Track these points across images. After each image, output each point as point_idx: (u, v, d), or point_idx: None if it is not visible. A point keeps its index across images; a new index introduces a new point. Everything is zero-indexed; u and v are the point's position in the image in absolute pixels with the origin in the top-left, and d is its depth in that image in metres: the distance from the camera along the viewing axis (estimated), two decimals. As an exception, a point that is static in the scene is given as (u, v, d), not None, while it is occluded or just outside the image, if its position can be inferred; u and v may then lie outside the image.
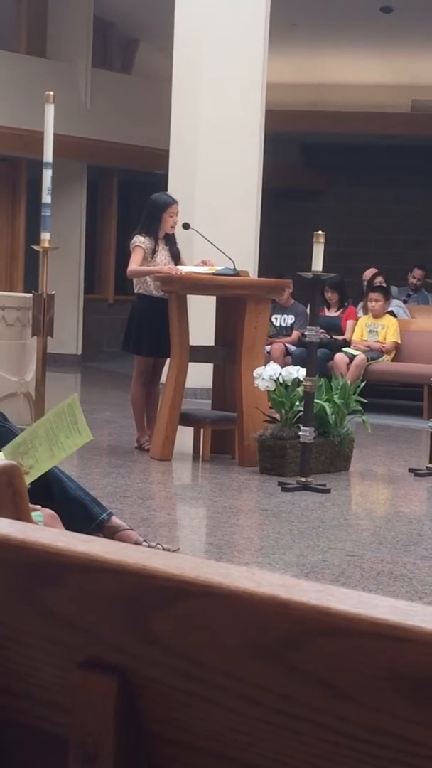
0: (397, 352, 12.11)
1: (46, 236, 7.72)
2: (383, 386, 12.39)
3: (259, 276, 11.01)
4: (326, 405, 7.86)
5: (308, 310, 9.26)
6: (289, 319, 12.43)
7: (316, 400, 7.57)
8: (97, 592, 1.10)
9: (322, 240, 7.35)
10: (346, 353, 11.84)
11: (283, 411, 7.73)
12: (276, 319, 12.28)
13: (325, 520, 6.43)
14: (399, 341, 12.08)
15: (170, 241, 8.51)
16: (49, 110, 7.56)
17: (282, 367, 7.99)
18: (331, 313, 12.38)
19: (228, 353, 8.20)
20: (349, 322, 12.33)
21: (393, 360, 12.07)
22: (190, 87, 11.68)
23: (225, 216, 11.16)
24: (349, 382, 8.50)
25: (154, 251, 8.37)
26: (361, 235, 18.87)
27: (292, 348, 12.08)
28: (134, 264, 8.32)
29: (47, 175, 7.62)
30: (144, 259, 8.33)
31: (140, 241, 8.36)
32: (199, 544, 5.89)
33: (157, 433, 8.21)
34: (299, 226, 16.25)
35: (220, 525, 6.23)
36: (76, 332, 16.42)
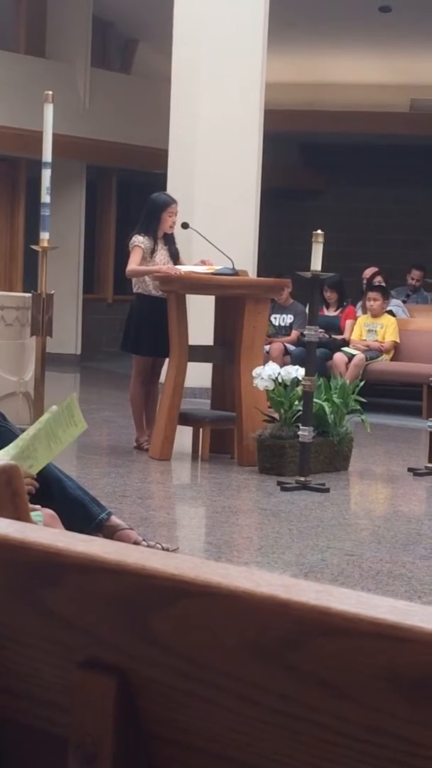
0: (396, 351, 12.11)
1: (45, 236, 7.72)
2: (382, 386, 12.39)
3: (258, 276, 11.01)
4: (325, 404, 7.86)
5: (307, 310, 9.26)
6: (288, 319, 12.43)
7: (315, 400, 7.57)
8: (97, 592, 1.10)
9: (321, 240, 7.35)
10: (345, 353, 11.84)
11: (282, 410, 7.72)
12: (275, 318, 12.28)
13: (324, 520, 6.43)
14: (398, 341, 12.08)
15: (169, 240, 8.51)
16: (48, 110, 7.56)
17: (281, 367, 7.99)
18: (330, 312, 12.39)
19: (227, 353, 8.20)
20: (348, 322, 12.33)
21: (392, 359, 12.07)
22: (189, 87, 11.67)
23: (224, 216, 11.15)
24: (348, 382, 8.50)
25: (153, 251, 8.37)
26: (361, 234, 18.87)
27: (291, 347, 12.08)
28: (133, 264, 8.32)
29: (46, 174, 7.62)
30: (143, 259, 8.33)
31: (139, 240, 8.36)
32: (198, 544, 5.89)
33: (156, 432, 8.21)
34: (298, 226, 16.24)
35: (219, 524, 6.23)
36: (75, 332, 16.41)
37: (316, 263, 7.34)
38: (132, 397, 8.66)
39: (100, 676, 1.11)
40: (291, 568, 5.35)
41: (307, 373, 7.43)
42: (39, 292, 7.67)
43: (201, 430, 8.24)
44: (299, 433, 7.40)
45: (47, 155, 7.58)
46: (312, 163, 19.34)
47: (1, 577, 1.17)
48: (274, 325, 12.20)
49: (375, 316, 12.19)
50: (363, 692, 0.96)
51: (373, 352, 11.92)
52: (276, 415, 7.80)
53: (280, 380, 7.73)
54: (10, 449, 3.91)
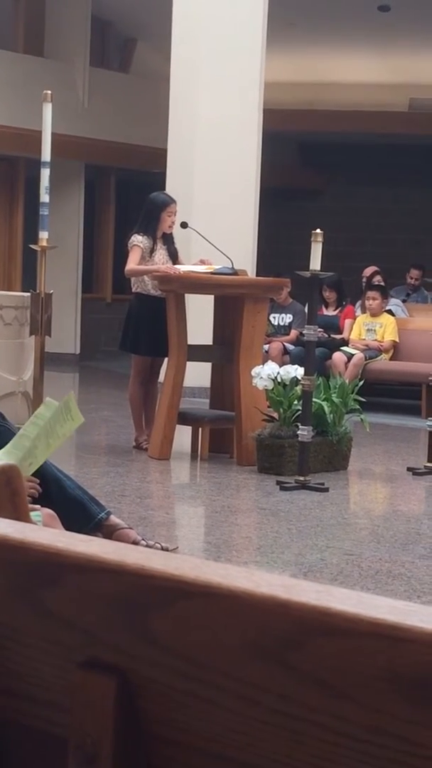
0: (396, 350, 12.12)
1: (44, 235, 7.71)
2: (381, 385, 12.40)
3: (257, 275, 11.01)
4: (324, 404, 7.86)
5: (306, 309, 9.26)
6: (287, 318, 12.43)
7: (314, 399, 7.57)
8: (97, 593, 1.10)
9: (320, 239, 7.35)
10: (344, 352, 11.84)
11: (281, 410, 7.72)
12: (274, 318, 12.28)
13: (323, 519, 6.43)
14: (397, 340, 12.09)
15: (168, 240, 8.51)
16: (47, 109, 7.56)
17: (280, 366, 7.99)
18: (329, 312, 12.39)
19: (226, 352, 8.20)
20: (347, 321, 12.33)
21: (391, 359, 12.07)
22: (187, 86, 11.67)
23: (223, 215, 11.15)
24: (347, 381, 8.50)
25: (152, 250, 8.37)
26: (360, 234, 18.87)
27: (290, 347, 12.08)
28: (132, 263, 8.32)
29: (45, 174, 7.62)
30: (142, 259, 8.33)
31: (138, 240, 8.36)
32: (198, 543, 5.89)
33: (156, 432, 8.21)
34: (297, 226, 16.24)
35: (219, 524, 6.23)
36: (74, 331, 16.41)
37: (315, 263, 7.34)
38: (131, 397, 8.66)
39: (99, 677, 1.11)
40: (290, 568, 5.35)
41: (306, 373, 7.43)
42: (38, 291, 7.67)
43: (200, 429, 8.24)
44: (298, 432, 7.40)
45: (46, 155, 7.58)
46: (311, 163, 19.34)
47: (1, 577, 1.17)
48: (273, 325, 12.20)
49: (374, 315, 12.19)
50: (363, 692, 0.96)
51: (372, 352, 11.92)
52: (275, 415, 7.80)
53: (279, 380, 7.73)
54: (11, 449, 3.91)
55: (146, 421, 8.58)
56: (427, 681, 0.93)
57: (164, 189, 10.38)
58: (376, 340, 12.06)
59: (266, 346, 11.05)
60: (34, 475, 4.09)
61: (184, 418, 8.20)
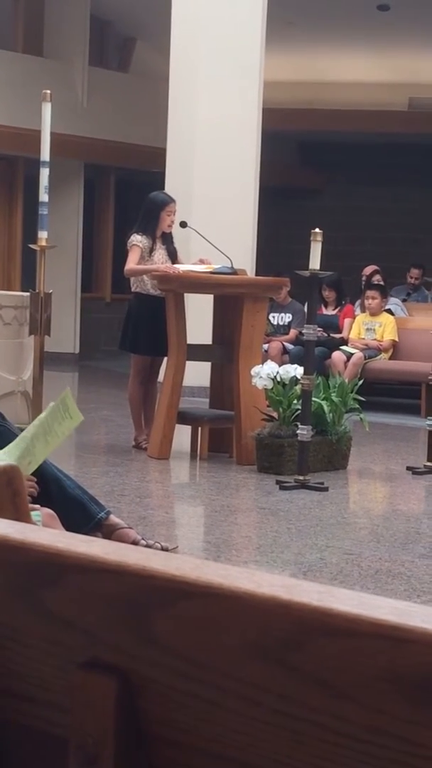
0: (395, 350, 12.12)
1: (43, 235, 7.71)
2: (381, 384, 12.40)
3: (256, 274, 11.01)
4: (324, 403, 7.86)
5: (306, 309, 9.26)
6: (287, 318, 12.43)
7: (313, 399, 7.57)
8: (97, 593, 1.10)
9: (319, 238, 7.34)
10: (344, 351, 11.84)
11: (280, 409, 7.72)
12: (273, 317, 12.28)
13: (323, 519, 6.43)
14: (396, 339, 12.09)
15: (167, 240, 8.51)
16: (46, 109, 7.55)
17: (279, 366, 7.99)
18: (329, 311, 12.39)
19: (225, 352, 8.19)
20: (347, 321, 12.33)
21: (390, 358, 12.08)
22: (187, 85, 11.67)
23: (222, 214, 11.15)
24: (346, 381, 8.50)
25: (151, 250, 8.37)
26: (359, 233, 18.87)
27: (290, 346, 12.08)
28: (131, 263, 8.32)
29: (44, 173, 7.62)
30: (141, 258, 8.33)
31: (137, 240, 8.35)
32: (197, 543, 5.89)
33: (155, 431, 8.21)
34: (297, 225, 16.24)
35: (218, 523, 6.23)
36: (73, 331, 16.41)
37: (315, 262, 7.34)
38: (130, 396, 8.66)
39: (100, 677, 1.11)
40: (290, 567, 5.35)
41: (305, 372, 7.43)
42: (37, 291, 7.67)
43: (200, 429, 8.24)
44: (298, 432, 7.40)
45: (45, 154, 7.57)
46: (310, 162, 19.34)
47: (2, 577, 1.16)
48: (272, 324, 12.20)
49: (373, 314, 12.19)
50: (364, 693, 0.96)
51: (371, 351, 11.92)
52: (275, 414, 7.80)
53: (278, 379, 7.73)
54: (11, 449, 3.91)
55: (146, 421, 8.58)
56: (428, 682, 0.93)
57: (164, 188, 10.38)
58: (375, 339, 12.06)
59: (266, 346, 11.05)
60: (33, 474, 4.08)
61: (184, 418, 8.20)
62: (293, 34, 15.51)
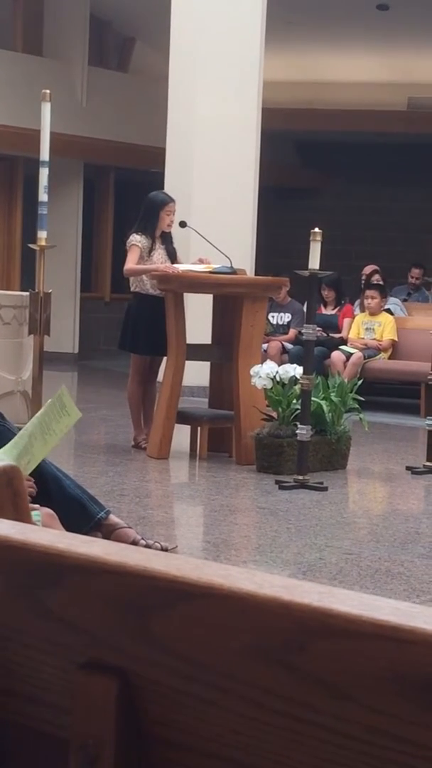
0: (394, 349, 12.12)
1: (42, 234, 7.71)
2: (380, 384, 12.40)
3: (255, 274, 11.01)
4: (323, 403, 7.86)
5: (305, 308, 9.26)
6: (286, 317, 12.43)
7: (313, 398, 7.57)
8: (98, 594, 1.09)
9: (319, 238, 7.35)
10: (343, 351, 11.84)
11: (280, 409, 7.72)
12: (273, 317, 12.28)
13: (322, 519, 6.43)
14: (396, 339, 12.09)
15: (167, 239, 8.50)
16: (46, 108, 7.55)
17: (279, 365, 7.99)
18: (328, 311, 12.39)
19: (225, 351, 8.19)
20: (346, 320, 12.33)
21: (390, 358, 12.08)
22: (186, 85, 11.67)
23: (222, 214, 11.15)
24: (346, 380, 8.50)
25: (150, 250, 8.37)
26: (358, 233, 18.87)
27: (289, 346, 12.08)
28: (131, 263, 8.32)
29: (44, 173, 7.61)
30: (140, 258, 8.33)
31: (136, 240, 8.35)
32: (197, 543, 5.89)
33: (154, 431, 8.20)
34: (296, 225, 16.24)
35: (218, 523, 6.22)
36: (72, 330, 16.41)
37: (314, 262, 7.34)
38: (130, 396, 8.66)
39: (101, 678, 1.11)
40: (289, 567, 5.35)
41: (305, 372, 7.43)
42: (37, 290, 7.67)
43: (199, 428, 8.24)
44: (297, 431, 7.40)
45: (45, 154, 7.57)
46: (310, 162, 19.34)
47: (2, 578, 1.16)
48: (272, 324, 12.20)
49: (373, 314, 12.19)
50: (365, 694, 0.96)
51: (371, 351, 11.93)
52: (274, 414, 7.80)
53: (278, 379, 7.73)
54: (9, 449, 3.90)
55: (145, 421, 8.57)
56: (429, 682, 0.93)
57: (163, 188, 10.37)
58: (374, 339, 12.06)
59: (265, 345, 11.05)
60: (32, 473, 4.08)
61: (183, 418, 8.20)
62: (293, 34, 15.51)
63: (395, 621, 0.93)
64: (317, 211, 17.72)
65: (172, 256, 8.46)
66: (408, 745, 0.95)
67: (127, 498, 6.70)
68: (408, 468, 8.18)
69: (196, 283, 8.16)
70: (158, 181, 11.65)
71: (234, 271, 8.31)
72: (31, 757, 1.24)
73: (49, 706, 1.19)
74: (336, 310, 12.43)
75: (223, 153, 11.54)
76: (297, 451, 7.42)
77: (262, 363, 7.98)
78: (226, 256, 8.28)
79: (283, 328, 12.39)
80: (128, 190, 17.05)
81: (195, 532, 6.31)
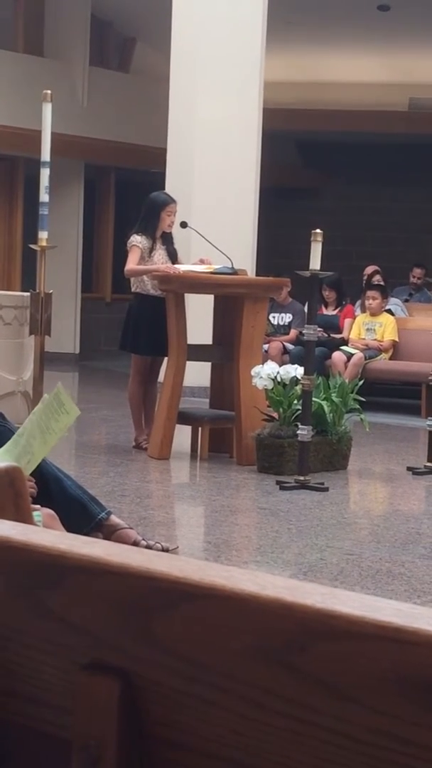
0: (395, 350, 12.12)
1: (43, 235, 7.71)
2: (381, 385, 12.40)
3: (256, 275, 11.01)
4: (324, 403, 7.85)
5: (306, 309, 9.26)
6: (287, 318, 12.43)
7: (314, 399, 7.57)
8: (100, 595, 1.09)
9: (320, 239, 7.35)
10: (344, 352, 11.84)
11: (281, 410, 7.72)
12: (274, 317, 12.28)
13: (323, 519, 6.43)
14: (397, 339, 12.09)
15: (167, 240, 8.50)
16: (47, 109, 7.55)
17: (280, 366, 7.99)
18: (329, 311, 12.39)
19: (226, 352, 8.19)
20: (347, 321, 12.33)
21: (391, 358, 12.08)
22: (187, 85, 11.67)
23: (223, 214, 11.15)
24: (347, 381, 8.50)
25: (151, 250, 8.37)
26: (359, 233, 18.87)
27: (290, 346, 12.08)
28: (132, 263, 8.32)
29: (45, 173, 7.62)
30: (141, 259, 8.33)
31: (137, 240, 8.35)
32: (197, 543, 5.89)
33: (155, 432, 8.20)
34: (297, 225, 16.24)
35: (218, 524, 6.22)
36: (73, 331, 16.41)
37: (315, 262, 7.34)
38: (131, 396, 8.66)
39: (103, 679, 1.11)
40: (290, 568, 5.35)
41: (306, 372, 7.43)
42: (37, 291, 7.67)
43: (200, 429, 8.24)
44: (298, 432, 7.40)
45: (46, 154, 7.57)
46: (311, 162, 19.34)
47: (4, 579, 1.16)
48: (272, 324, 12.20)
49: (374, 314, 12.19)
50: (368, 695, 0.96)
51: (372, 351, 11.92)
52: (275, 414, 7.80)
53: (279, 379, 7.73)
54: (9, 448, 3.90)
55: (146, 421, 8.57)
56: (431, 684, 0.93)
57: (164, 188, 10.37)
58: (375, 339, 12.06)
59: (266, 346, 11.05)
60: (33, 474, 4.08)
61: (184, 418, 8.20)
62: (294, 35, 15.51)
63: (397, 622, 0.93)
64: (318, 212, 17.73)
65: (173, 257, 8.46)
66: (410, 746, 0.95)
67: (128, 498, 6.70)
68: (409, 468, 8.18)
69: (197, 284, 8.17)
70: (159, 181, 11.65)
71: (235, 272, 8.31)
72: (33, 757, 1.24)
73: (51, 707, 1.19)
74: (337, 310, 12.43)
75: (223, 153, 11.54)
76: (298, 451, 7.42)
77: (263, 363, 7.98)
78: (227, 257, 8.28)
79: (284, 329, 12.39)
80: (129, 190, 17.05)
81: (196, 532, 6.31)
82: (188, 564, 1.06)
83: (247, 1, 11.65)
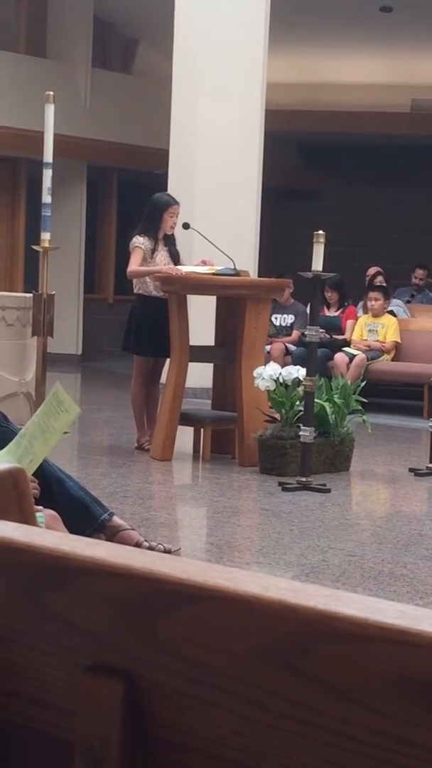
0: (397, 351, 12.12)
1: (46, 236, 7.72)
2: (383, 386, 12.39)
3: (259, 276, 11.01)
4: (326, 405, 7.85)
5: (308, 310, 9.26)
6: (289, 319, 12.43)
7: (316, 400, 7.57)
8: (103, 596, 1.10)
9: (322, 240, 7.35)
10: (346, 353, 11.84)
11: (283, 411, 7.72)
12: (276, 318, 12.28)
13: (325, 520, 6.43)
14: (399, 340, 12.09)
15: (170, 241, 8.50)
16: (49, 110, 7.56)
17: (282, 367, 7.99)
18: (331, 312, 12.38)
19: (228, 353, 8.19)
20: (349, 322, 12.33)
21: (393, 359, 12.07)
22: (189, 87, 11.67)
23: (225, 216, 11.15)
24: (349, 382, 8.50)
25: (153, 252, 8.37)
26: (361, 234, 18.87)
27: (292, 348, 12.08)
28: (134, 265, 8.32)
29: (47, 175, 7.62)
30: (143, 260, 8.33)
31: (139, 241, 8.36)
32: (200, 544, 5.89)
33: (158, 433, 8.20)
34: (299, 226, 16.23)
35: (221, 525, 6.22)
36: (76, 332, 16.41)
37: (317, 263, 7.34)
38: (133, 398, 8.66)
39: (106, 680, 1.11)
40: (292, 569, 5.35)
41: (308, 374, 7.43)
42: (40, 292, 7.67)
43: (202, 430, 8.24)
44: (300, 433, 7.40)
45: (48, 155, 7.58)
46: (313, 164, 19.34)
47: (8, 580, 1.16)
48: (275, 326, 12.20)
49: (376, 316, 12.19)
50: (371, 697, 0.96)
51: (374, 352, 11.92)
52: (277, 416, 7.80)
53: (281, 380, 7.73)
54: (11, 449, 3.90)
55: (148, 422, 8.57)
56: (435, 685, 0.93)
57: (166, 190, 10.38)
58: (377, 340, 12.06)
59: (268, 347, 11.05)
60: (35, 475, 4.08)
61: (186, 419, 8.20)
62: (296, 36, 15.51)
63: (401, 624, 0.93)
64: (320, 213, 17.73)
65: (175, 258, 8.46)
66: (413, 747, 0.95)
67: (131, 500, 6.71)
68: (411, 470, 8.18)
69: (199, 285, 8.17)
70: (161, 182, 11.65)
71: (237, 273, 8.31)
72: (36, 759, 1.24)
73: (54, 708, 1.19)
74: (339, 311, 12.43)
75: (226, 154, 11.54)
76: (300, 452, 7.42)
77: (265, 365, 7.98)
78: (229, 258, 8.28)
79: (287, 330, 12.39)
80: (131, 191, 17.05)
81: (198, 533, 6.31)
82: (191, 566, 1.06)
83: (249, 2, 11.65)
